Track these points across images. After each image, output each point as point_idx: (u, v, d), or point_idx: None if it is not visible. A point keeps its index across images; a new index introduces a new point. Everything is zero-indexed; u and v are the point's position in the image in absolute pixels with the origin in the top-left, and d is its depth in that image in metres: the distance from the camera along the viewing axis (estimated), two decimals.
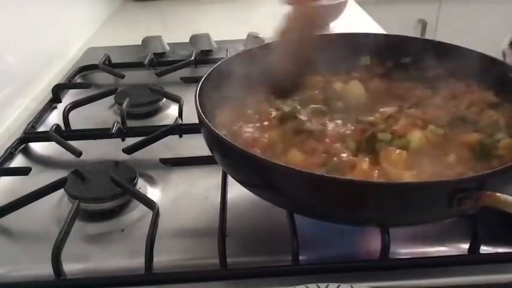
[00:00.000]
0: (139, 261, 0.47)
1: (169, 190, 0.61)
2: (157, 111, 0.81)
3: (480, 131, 0.52)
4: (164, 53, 1.04)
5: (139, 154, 0.66)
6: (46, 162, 0.68)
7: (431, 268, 0.47)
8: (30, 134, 0.73)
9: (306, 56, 0.62)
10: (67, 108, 0.75)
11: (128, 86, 0.86)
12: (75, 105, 0.77)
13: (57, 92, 0.85)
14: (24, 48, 0.89)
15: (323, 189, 0.42)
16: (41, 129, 0.75)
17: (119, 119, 0.72)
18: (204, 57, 1.01)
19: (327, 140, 0.51)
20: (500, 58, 0.60)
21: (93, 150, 0.68)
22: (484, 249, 0.48)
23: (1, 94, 0.80)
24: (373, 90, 0.64)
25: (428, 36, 1.85)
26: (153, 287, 0.47)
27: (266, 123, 0.55)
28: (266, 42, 0.71)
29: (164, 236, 0.51)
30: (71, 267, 0.48)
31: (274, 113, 0.57)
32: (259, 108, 0.58)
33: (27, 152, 0.70)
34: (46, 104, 0.82)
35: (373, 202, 0.42)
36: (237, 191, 0.54)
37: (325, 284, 0.43)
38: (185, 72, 0.93)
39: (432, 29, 1.93)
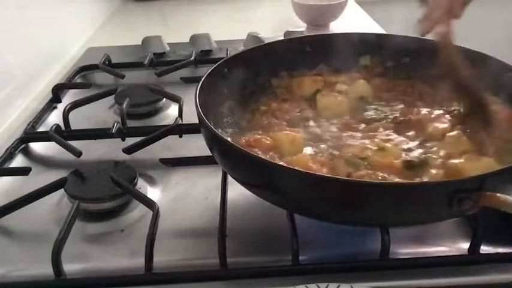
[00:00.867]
0: (139, 261, 0.47)
1: (169, 190, 0.61)
2: (157, 111, 0.81)
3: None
4: (164, 53, 1.04)
5: (139, 154, 0.66)
6: (46, 162, 0.68)
7: (432, 268, 0.47)
8: (30, 134, 0.73)
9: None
10: (67, 108, 0.75)
11: (128, 86, 0.86)
12: (75, 105, 0.77)
13: (57, 92, 0.85)
14: (24, 48, 0.89)
15: (323, 189, 0.42)
16: (41, 129, 0.75)
17: (119, 119, 0.72)
18: (204, 57, 1.01)
19: None
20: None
21: (93, 150, 0.68)
22: (484, 249, 0.48)
23: (1, 94, 0.80)
24: (375, 89, 0.64)
25: (428, 36, 1.84)
26: (153, 287, 0.47)
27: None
28: (266, 42, 0.71)
29: (164, 236, 0.51)
30: (71, 267, 0.48)
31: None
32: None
33: (27, 152, 0.70)
34: (46, 104, 0.82)
35: (373, 202, 0.42)
36: (237, 191, 0.54)
37: (325, 284, 0.43)
38: (185, 72, 0.93)
39: None
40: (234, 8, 1.43)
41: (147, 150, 0.66)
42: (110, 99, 0.82)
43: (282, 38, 0.94)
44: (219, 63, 0.61)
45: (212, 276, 0.47)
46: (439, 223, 0.51)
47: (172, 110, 0.81)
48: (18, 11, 0.87)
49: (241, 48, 0.98)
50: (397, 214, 0.43)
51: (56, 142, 0.68)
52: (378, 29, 1.17)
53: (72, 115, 0.74)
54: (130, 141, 0.67)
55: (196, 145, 0.61)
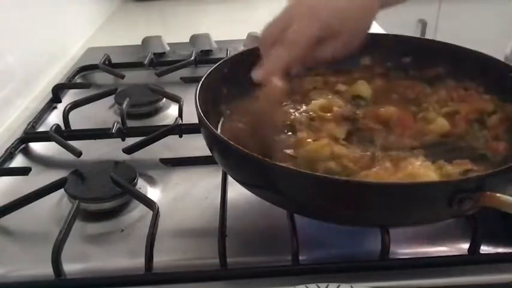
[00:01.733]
0: (139, 261, 0.47)
1: (169, 190, 0.61)
2: (157, 111, 0.81)
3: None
4: (164, 53, 1.04)
5: (139, 154, 0.66)
6: (46, 162, 0.68)
7: (432, 268, 0.47)
8: (30, 134, 0.73)
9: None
10: (67, 108, 0.75)
11: (128, 86, 0.86)
12: (75, 105, 0.77)
13: (57, 92, 0.85)
14: (24, 48, 0.89)
15: (323, 190, 0.42)
16: (41, 129, 0.75)
17: (119, 119, 0.72)
18: (204, 57, 1.01)
19: None
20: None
21: (93, 150, 0.68)
22: (484, 249, 0.48)
23: (1, 94, 0.80)
24: (376, 89, 0.64)
25: (428, 36, 1.84)
26: (153, 287, 0.47)
27: None
28: None
29: (164, 236, 0.51)
30: (71, 267, 0.48)
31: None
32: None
33: (27, 152, 0.70)
34: (46, 104, 0.82)
35: (373, 202, 0.42)
36: (237, 191, 0.54)
37: (325, 284, 0.43)
38: (185, 72, 0.93)
39: (432, 29, 1.93)
40: (234, 8, 1.43)
41: (147, 150, 0.66)
42: (110, 99, 0.82)
43: None
44: (219, 63, 0.61)
45: (212, 276, 0.47)
46: (439, 223, 0.51)
47: (172, 110, 0.81)
48: (18, 11, 0.87)
49: (241, 48, 0.98)
50: (397, 214, 0.43)
51: (56, 142, 0.68)
52: (378, 29, 1.17)
53: (72, 115, 0.74)
54: (131, 141, 0.67)
55: (196, 145, 0.61)
